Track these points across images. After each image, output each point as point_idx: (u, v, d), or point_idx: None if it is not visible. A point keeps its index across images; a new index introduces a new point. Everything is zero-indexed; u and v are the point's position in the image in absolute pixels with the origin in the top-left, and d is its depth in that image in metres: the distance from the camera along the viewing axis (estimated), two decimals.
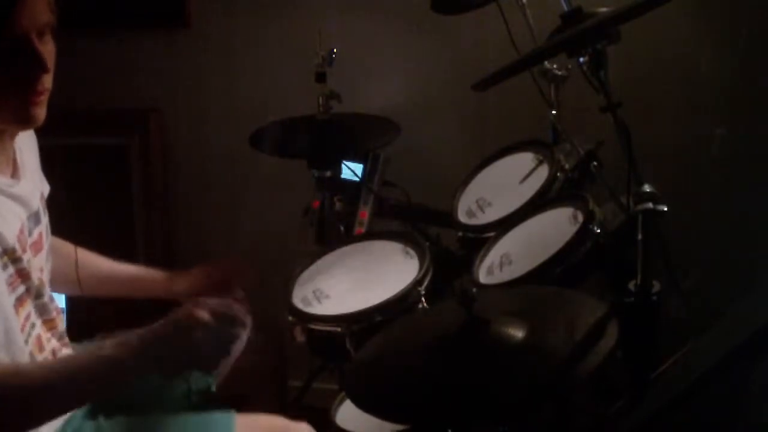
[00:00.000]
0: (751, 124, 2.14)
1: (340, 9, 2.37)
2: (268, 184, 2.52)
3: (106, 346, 1.27)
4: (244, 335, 1.32)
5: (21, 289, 1.36)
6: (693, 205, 2.01)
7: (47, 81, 1.32)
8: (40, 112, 1.33)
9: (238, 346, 1.34)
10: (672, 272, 1.47)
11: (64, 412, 1.37)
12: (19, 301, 1.35)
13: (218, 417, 1.50)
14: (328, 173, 2.11)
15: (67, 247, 1.61)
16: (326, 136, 2.09)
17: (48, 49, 1.32)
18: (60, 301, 1.62)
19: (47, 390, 1.24)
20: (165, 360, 1.28)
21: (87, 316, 2.04)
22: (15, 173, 1.40)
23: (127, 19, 2.53)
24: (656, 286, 1.33)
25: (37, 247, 1.42)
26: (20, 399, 1.22)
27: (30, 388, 1.23)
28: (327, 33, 2.07)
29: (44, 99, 1.33)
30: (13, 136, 1.40)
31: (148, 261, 1.84)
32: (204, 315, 1.28)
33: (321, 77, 2.07)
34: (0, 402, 1.22)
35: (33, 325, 1.40)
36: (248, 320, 1.31)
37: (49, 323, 1.46)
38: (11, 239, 1.32)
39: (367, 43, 2.39)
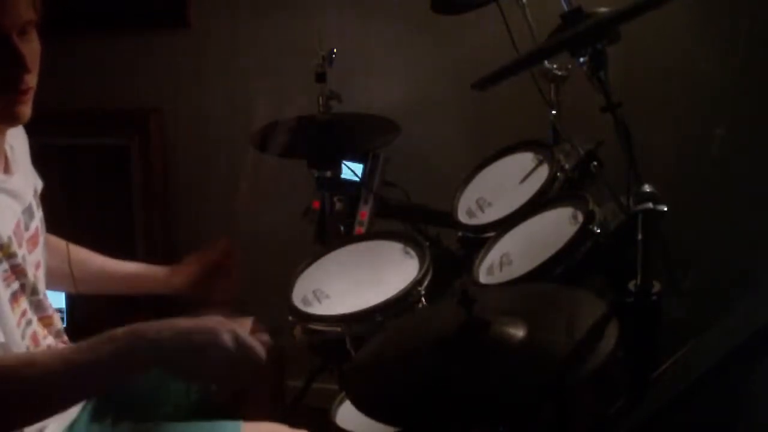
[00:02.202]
0: (751, 124, 2.14)
1: (340, 9, 2.37)
2: (268, 184, 2.52)
3: (119, 335, 1.22)
4: (252, 371, 1.30)
5: (15, 285, 1.36)
6: (693, 205, 2.01)
7: (30, 80, 1.31)
8: (26, 110, 1.32)
9: (241, 380, 1.32)
10: (672, 272, 1.46)
11: (73, 403, 1.37)
12: (14, 298, 1.35)
13: (225, 425, 1.50)
14: (328, 173, 2.11)
15: (60, 243, 1.61)
16: (326, 136, 2.09)
17: (31, 48, 1.31)
18: (60, 300, 1.63)
19: (56, 381, 1.21)
20: (174, 362, 1.25)
21: (87, 315, 2.04)
22: (7, 168, 1.41)
23: (128, 19, 2.54)
24: (656, 286, 1.33)
25: (33, 242, 1.43)
26: (29, 388, 1.21)
27: (39, 378, 1.21)
28: (327, 33, 2.07)
29: (29, 97, 1.32)
30: (2, 133, 1.40)
31: (148, 261, 1.84)
32: (228, 339, 1.23)
33: (321, 77, 2.07)
34: (12, 393, 1.21)
35: (29, 322, 1.40)
36: (262, 358, 1.28)
37: (45, 320, 1.46)
38: (5, 235, 1.32)
39: (367, 43, 2.39)
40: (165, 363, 1.25)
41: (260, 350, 1.28)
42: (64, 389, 1.24)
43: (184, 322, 1.26)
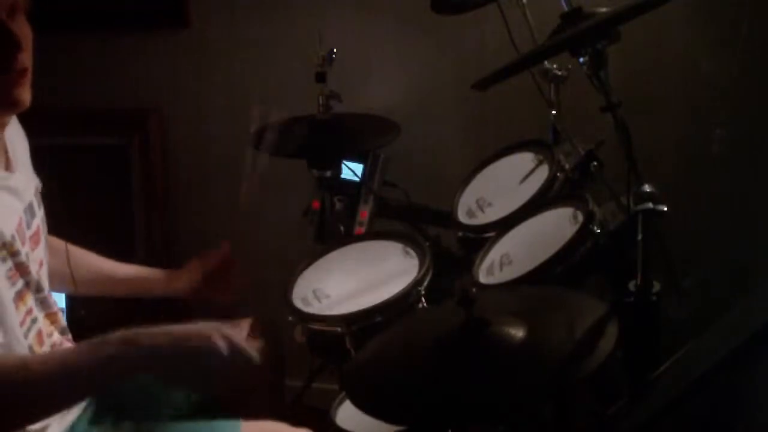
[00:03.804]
0: (751, 124, 2.14)
1: (340, 9, 2.37)
2: (268, 184, 2.52)
3: (113, 340, 1.23)
4: (246, 374, 1.30)
5: (20, 283, 1.36)
6: (693, 205, 2.01)
7: (25, 60, 1.30)
8: (24, 94, 1.31)
9: (235, 382, 1.33)
10: (672, 272, 1.47)
11: (66, 406, 1.36)
12: (19, 296, 1.35)
13: (224, 425, 1.50)
14: (328, 173, 2.11)
15: (59, 244, 1.61)
16: (326, 136, 2.09)
17: (22, 30, 1.30)
18: (60, 300, 1.63)
19: (48, 384, 1.22)
20: (167, 367, 1.25)
21: (87, 316, 2.04)
22: (8, 166, 1.40)
23: (127, 18, 2.53)
24: (656, 286, 1.33)
25: (35, 240, 1.42)
26: (21, 392, 1.21)
27: (32, 382, 1.22)
28: (327, 33, 2.08)
29: (27, 80, 1.31)
30: (3, 127, 1.39)
31: (148, 261, 1.84)
32: (222, 344, 1.23)
33: (321, 77, 2.07)
34: (3, 395, 1.21)
35: (35, 320, 1.40)
36: (256, 360, 1.27)
37: (51, 317, 1.46)
38: (8, 233, 1.32)
39: (367, 43, 2.39)
40: (158, 369, 1.26)
41: (254, 354, 1.27)
42: (57, 392, 1.24)
43: (177, 328, 1.26)
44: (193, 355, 1.24)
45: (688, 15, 2.10)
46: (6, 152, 1.41)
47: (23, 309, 1.36)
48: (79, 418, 1.49)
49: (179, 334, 1.25)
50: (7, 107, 1.34)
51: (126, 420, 1.50)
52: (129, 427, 1.49)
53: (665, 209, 1.32)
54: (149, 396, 1.55)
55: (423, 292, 1.66)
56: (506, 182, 1.87)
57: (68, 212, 1.55)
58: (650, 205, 1.32)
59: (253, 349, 1.27)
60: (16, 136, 1.47)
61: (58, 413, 1.37)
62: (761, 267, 1.80)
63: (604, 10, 1.57)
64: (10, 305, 1.32)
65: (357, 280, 1.79)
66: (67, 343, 1.50)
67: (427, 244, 1.81)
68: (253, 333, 1.35)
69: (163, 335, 1.24)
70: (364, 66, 2.38)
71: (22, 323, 1.35)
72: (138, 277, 1.71)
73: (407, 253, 1.82)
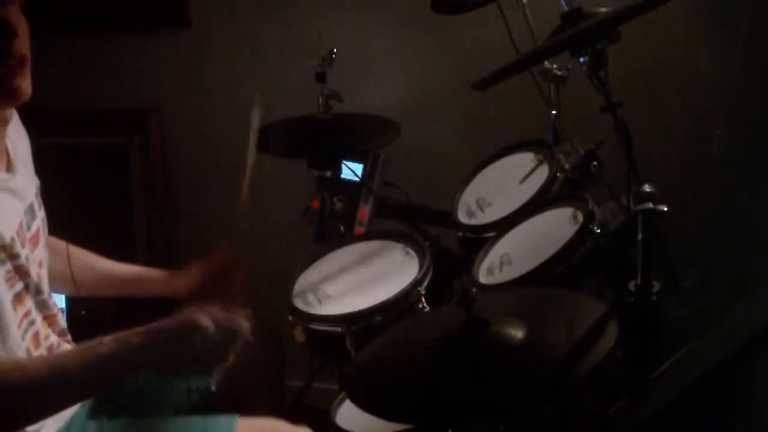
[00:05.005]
0: (751, 124, 2.14)
1: (340, 9, 2.37)
2: (268, 184, 2.52)
3: (105, 341, 1.27)
4: (241, 343, 1.32)
5: (19, 285, 1.36)
6: (693, 205, 2.01)
7: (21, 47, 1.29)
8: (24, 84, 1.31)
9: (233, 354, 1.34)
10: (672, 272, 1.47)
11: (62, 408, 1.36)
12: (18, 298, 1.35)
13: (221, 419, 1.51)
14: (328, 173, 2.11)
15: (60, 245, 1.61)
16: (326, 136, 2.09)
17: (18, 21, 1.29)
18: (60, 301, 1.63)
19: (45, 385, 1.23)
20: (162, 360, 1.29)
21: (87, 315, 2.04)
22: (10, 167, 1.40)
23: (128, 19, 2.53)
24: (656, 286, 1.33)
25: (35, 241, 1.42)
26: (18, 394, 1.22)
27: (28, 383, 1.23)
28: (327, 33, 2.07)
29: (26, 71, 1.31)
30: (4, 126, 1.39)
31: (148, 261, 1.84)
32: (207, 322, 1.28)
33: (321, 77, 2.07)
34: (1, 397, 1.21)
35: (32, 322, 1.40)
36: (247, 330, 1.32)
37: (49, 319, 1.46)
38: (8, 235, 1.32)
39: (367, 43, 2.39)
40: (152, 364, 1.29)
41: (243, 324, 1.31)
42: (53, 394, 1.25)
43: (163, 322, 1.30)
44: (182, 342, 1.28)
45: (688, 15, 2.09)
46: (7, 153, 1.41)
47: (21, 311, 1.36)
48: (76, 413, 1.50)
49: (165, 326, 1.29)
50: (7, 97, 1.33)
51: (123, 415, 1.51)
52: (126, 422, 1.49)
53: (665, 209, 1.32)
54: (146, 391, 1.55)
55: (423, 292, 1.66)
56: (506, 182, 1.87)
57: (68, 212, 1.55)
58: (650, 205, 1.32)
59: (242, 320, 1.30)
60: (17, 136, 1.47)
61: (56, 414, 1.38)
62: (761, 267, 1.80)
63: (604, 10, 1.57)
64: (8, 308, 1.32)
65: (357, 280, 1.79)
66: (66, 345, 1.50)
67: (427, 244, 1.81)
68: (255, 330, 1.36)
69: (153, 331, 1.28)
70: (364, 66, 2.38)
71: (19, 325, 1.35)
72: (138, 278, 1.71)
73: (407, 253, 1.82)
